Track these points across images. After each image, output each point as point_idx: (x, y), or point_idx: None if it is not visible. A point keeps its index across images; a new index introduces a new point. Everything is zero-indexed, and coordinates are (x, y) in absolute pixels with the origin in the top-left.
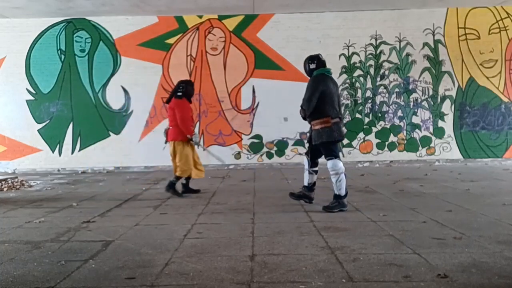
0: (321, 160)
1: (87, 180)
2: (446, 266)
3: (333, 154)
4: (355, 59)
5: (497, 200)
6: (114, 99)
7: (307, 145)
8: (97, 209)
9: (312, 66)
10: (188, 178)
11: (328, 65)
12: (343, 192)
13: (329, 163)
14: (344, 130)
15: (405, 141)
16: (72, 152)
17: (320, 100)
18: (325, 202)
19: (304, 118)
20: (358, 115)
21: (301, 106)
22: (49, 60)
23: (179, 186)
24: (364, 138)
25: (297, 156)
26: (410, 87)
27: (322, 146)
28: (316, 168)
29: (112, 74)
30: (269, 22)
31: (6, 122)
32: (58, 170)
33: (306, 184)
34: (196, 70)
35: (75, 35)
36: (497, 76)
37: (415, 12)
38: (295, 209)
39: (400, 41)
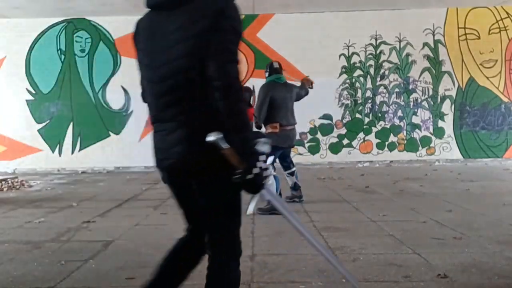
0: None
1: (87, 180)
2: (446, 266)
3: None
4: (355, 59)
5: (497, 200)
6: (114, 99)
7: None
8: (97, 209)
9: (266, 74)
10: None
11: (328, 65)
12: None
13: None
14: (296, 137)
15: (405, 141)
16: (72, 152)
17: (270, 107)
18: (325, 201)
19: (258, 127)
20: (358, 115)
21: (253, 114)
22: (49, 60)
23: None
24: (364, 138)
25: (297, 156)
26: (410, 87)
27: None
28: (291, 170)
29: (112, 74)
30: (269, 22)
31: (6, 122)
32: (58, 170)
33: (291, 185)
34: None
35: (75, 35)
36: (497, 76)
37: (415, 12)
38: (295, 209)
39: (400, 41)
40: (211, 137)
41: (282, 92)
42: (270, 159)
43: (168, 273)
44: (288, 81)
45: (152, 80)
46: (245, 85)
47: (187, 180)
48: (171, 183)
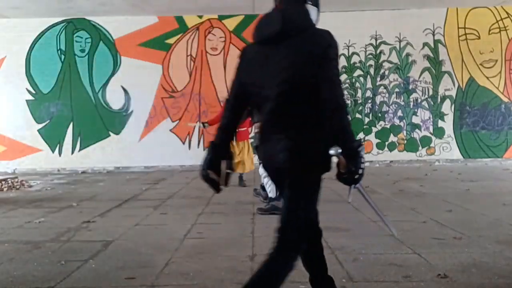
0: None
1: (87, 180)
2: (446, 266)
3: None
4: (355, 59)
5: (497, 200)
6: (114, 99)
7: None
8: (97, 209)
9: None
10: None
11: None
12: (273, 195)
13: (261, 168)
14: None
15: (405, 141)
16: (72, 152)
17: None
18: (325, 201)
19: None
20: (358, 115)
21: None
22: (49, 60)
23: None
24: (364, 138)
25: None
26: (410, 87)
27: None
28: None
29: (112, 74)
30: None
31: (6, 122)
32: (58, 170)
33: (272, 195)
34: (196, 70)
35: (75, 35)
36: (497, 76)
37: (415, 12)
38: None
39: (400, 41)
40: (332, 151)
41: None
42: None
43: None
44: None
45: (264, 99)
46: None
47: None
48: (276, 182)
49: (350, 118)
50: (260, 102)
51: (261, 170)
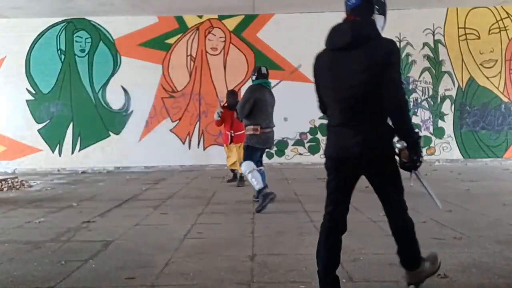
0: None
1: (87, 180)
2: (446, 266)
3: (247, 158)
4: None
5: (497, 200)
6: (114, 99)
7: None
8: (97, 209)
9: (253, 77)
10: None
11: None
12: (260, 186)
13: (243, 166)
14: (273, 139)
15: None
16: (72, 152)
17: (253, 108)
18: (323, 201)
19: (239, 120)
20: None
21: (235, 109)
22: (49, 60)
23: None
24: None
25: (297, 156)
26: (410, 87)
27: (244, 148)
28: (258, 169)
29: (112, 74)
30: (269, 22)
31: (6, 122)
32: (58, 170)
33: (259, 187)
34: (196, 70)
35: (75, 35)
36: (497, 76)
37: (415, 12)
38: (295, 209)
39: (400, 41)
40: (399, 145)
41: (266, 96)
42: (245, 163)
43: (334, 253)
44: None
45: (337, 100)
46: (230, 89)
47: (355, 169)
48: (339, 170)
49: (410, 114)
50: (331, 102)
51: (244, 168)
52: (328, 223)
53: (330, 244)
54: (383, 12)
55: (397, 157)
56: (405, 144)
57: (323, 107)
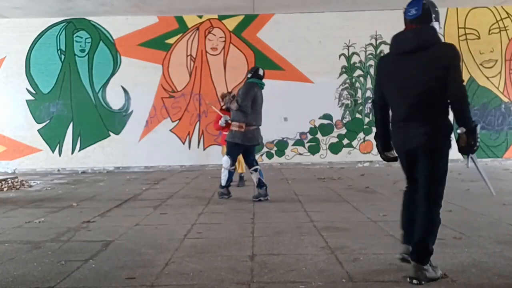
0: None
1: (87, 180)
2: (446, 266)
3: (229, 153)
4: (355, 59)
5: (497, 200)
6: (114, 99)
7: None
8: (97, 209)
9: (249, 75)
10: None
11: (328, 65)
12: (223, 183)
13: (223, 161)
14: (260, 135)
15: None
16: (72, 152)
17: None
18: (325, 201)
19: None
20: (358, 115)
21: (237, 101)
22: (49, 60)
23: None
24: (364, 138)
25: (297, 156)
26: None
27: (228, 144)
28: (254, 167)
29: (112, 74)
30: (269, 22)
31: (6, 122)
32: (58, 170)
33: (255, 182)
34: (196, 70)
35: (75, 35)
36: (497, 76)
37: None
38: (295, 209)
39: None
40: (459, 130)
41: (260, 96)
42: (226, 158)
43: (412, 216)
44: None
45: (403, 97)
46: (229, 91)
47: (419, 156)
48: (408, 159)
49: (469, 107)
50: (396, 100)
51: (223, 163)
52: (407, 190)
53: (409, 204)
54: (438, 19)
55: (456, 143)
56: (464, 130)
57: (380, 102)
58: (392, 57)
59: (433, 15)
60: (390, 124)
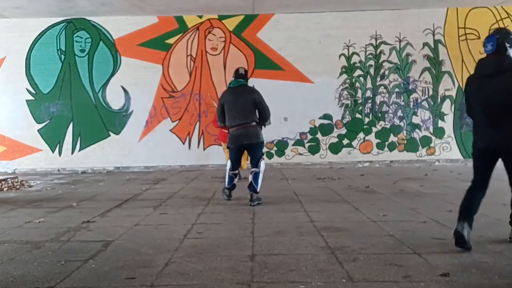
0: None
1: (87, 180)
2: (446, 266)
3: (230, 157)
4: (355, 59)
5: (497, 200)
6: (114, 99)
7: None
8: (97, 209)
9: (233, 78)
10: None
11: (328, 65)
12: (225, 185)
13: (227, 162)
14: (249, 134)
15: (405, 141)
16: (72, 152)
17: (222, 111)
18: (325, 201)
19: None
20: (358, 115)
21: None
22: (49, 60)
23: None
24: (364, 138)
25: (297, 156)
26: (410, 87)
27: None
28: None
29: (112, 74)
30: (269, 22)
31: (6, 122)
32: (58, 170)
33: (226, 186)
34: (196, 70)
35: (75, 35)
36: None
37: (415, 12)
38: (295, 209)
39: (400, 41)
40: None
41: (232, 95)
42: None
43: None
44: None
45: (483, 109)
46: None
47: (495, 155)
48: (482, 157)
49: None
50: (478, 111)
51: (227, 165)
52: (472, 185)
53: (471, 196)
54: (511, 46)
55: None
56: None
57: (470, 111)
58: (477, 78)
59: (508, 45)
60: (473, 128)
